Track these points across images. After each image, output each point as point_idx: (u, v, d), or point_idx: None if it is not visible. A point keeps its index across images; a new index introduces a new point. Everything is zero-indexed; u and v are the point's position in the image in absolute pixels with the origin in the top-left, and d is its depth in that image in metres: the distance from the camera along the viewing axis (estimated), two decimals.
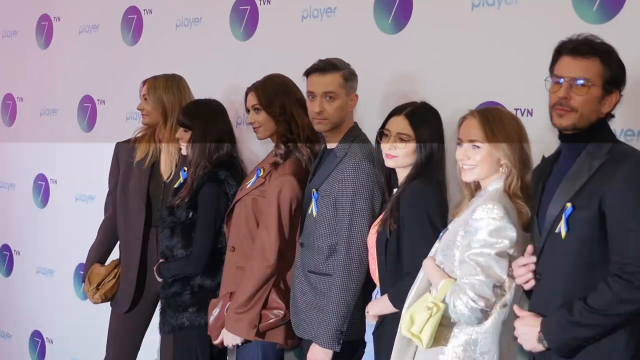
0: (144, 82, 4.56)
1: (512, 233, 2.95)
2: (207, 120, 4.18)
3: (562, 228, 2.83)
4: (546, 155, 3.11)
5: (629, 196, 2.72)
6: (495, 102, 3.65)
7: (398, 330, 3.17)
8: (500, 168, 3.08)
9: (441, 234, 3.19)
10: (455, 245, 3.05)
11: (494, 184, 3.09)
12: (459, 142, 3.13)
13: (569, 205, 2.82)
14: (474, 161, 3.08)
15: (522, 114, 3.54)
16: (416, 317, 3.02)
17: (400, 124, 3.42)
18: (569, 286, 2.81)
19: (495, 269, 2.94)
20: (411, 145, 3.39)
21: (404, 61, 4.05)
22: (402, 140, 3.40)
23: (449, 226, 3.19)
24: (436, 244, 3.20)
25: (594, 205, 2.76)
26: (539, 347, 2.84)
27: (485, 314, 2.97)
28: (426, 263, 3.15)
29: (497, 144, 3.04)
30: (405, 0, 4.03)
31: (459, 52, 3.84)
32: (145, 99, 4.50)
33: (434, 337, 3.01)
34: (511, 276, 2.98)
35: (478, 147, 3.06)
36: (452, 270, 3.06)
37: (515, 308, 2.94)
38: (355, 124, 3.78)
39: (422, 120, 3.41)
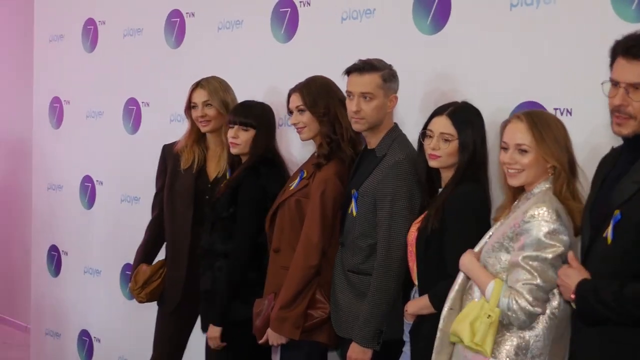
0: (195, 89, 4.53)
1: (566, 237, 2.95)
2: (269, 120, 4.27)
3: (609, 234, 2.76)
4: (615, 146, 3.02)
5: None
6: (534, 102, 3.65)
7: (438, 332, 3.18)
8: (549, 170, 3.07)
9: (485, 238, 3.18)
10: (503, 247, 3.04)
11: (541, 186, 3.08)
12: (504, 147, 3.11)
13: (617, 212, 2.74)
14: (520, 165, 3.07)
15: (562, 114, 3.53)
16: (476, 327, 3.00)
17: (443, 124, 3.43)
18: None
19: (550, 273, 2.94)
20: (454, 145, 3.40)
21: (443, 61, 4.05)
22: (445, 140, 3.41)
23: (492, 230, 3.19)
24: (478, 246, 3.20)
25: None
26: (569, 299, 2.82)
27: (536, 319, 2.98)
28: (468, 259, 3.14)
29: (547, 148, 3.02)
30: (444, 0, 4.04)
31: (498, 52, 3.83)
32: (209, 104, 4.48)
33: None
34: None
35: (525, 151, 3.05)
36: (496, 272, 3.06)
37: (570, 257, 2.88)
38: (395, 125, 3.80)
39: (465, 119, 3.43)
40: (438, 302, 3.28)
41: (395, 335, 3.65)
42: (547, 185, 3.08)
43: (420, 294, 3.47)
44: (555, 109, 3.57)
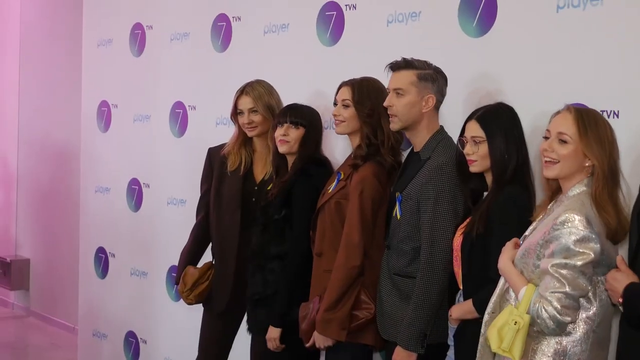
0: (240, 96, 4.55)
1: (596, 245, 2.92)
2: (318, 122, 4.31)
3: None
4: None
5: None
6: (580, 103, 3.61)
7: (480, 338, 3.17)
8: (586, 170, 3.04)
9: (522, 240, 3.17)
10: (535, 252, 3.02)
11: (576, 188, 3.05)
12: (547, 136, 3.10)
13: None
14: (557, 155, 3.05)
15: (608, 116, 3.50)
16: (504, 333, 2.99)
17: (472, 128, 3.44)
18: None
19: (580, 280, 2.92)
20: (485, 148, 3.40)
21: (489, 64, 4.04)
22: (475, 143, 3.41)
23: (528, 232, 3.18)
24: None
25: None
26: (618, 302, 2.81)
27: (567, 326, 2.96)
28: (504, 262, 3.13)
29: (588, 143, 2.99)
30: (490, 3, 4.03)
31: (544, 54, 3.81)
32: (254, 111, 4.51)
33: None
34: (596, 285, 2.96)
35: (565, 142, 3.03)
36: (529, 278, 3.05)
37: (619, 261, 2.88)
38: (441, 128, 3.80)
39: (495, 120, 3.41)
40: (481, 306, 3.27)
41: (440, 339, 3.64)
42: (583, 188, 3.05)
43: (465, 299, 3.46)
44: (602, 111, 3.54)
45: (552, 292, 2.92)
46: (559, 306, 2.91)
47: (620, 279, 2.82)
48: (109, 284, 6.84)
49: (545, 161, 3.10)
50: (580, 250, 2.91)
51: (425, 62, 3.76)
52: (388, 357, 3.77)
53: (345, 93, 4.00)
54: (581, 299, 2.96)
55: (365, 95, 3.96)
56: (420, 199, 3.64)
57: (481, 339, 3.18)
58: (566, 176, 3.09)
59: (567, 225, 2.92)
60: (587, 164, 3.04)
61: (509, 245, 3.18)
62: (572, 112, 3.06)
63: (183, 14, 6.02)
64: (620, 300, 2.79)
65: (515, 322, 2.96)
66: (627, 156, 3.20)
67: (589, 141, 3.01)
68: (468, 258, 3.42)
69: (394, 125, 3.75)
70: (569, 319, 2.93)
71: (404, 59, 3.75)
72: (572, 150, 3.03)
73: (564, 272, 2.91)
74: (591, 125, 3.03)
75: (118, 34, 6.63)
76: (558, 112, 3.13)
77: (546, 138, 3.12)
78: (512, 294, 3.11)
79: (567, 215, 2.94)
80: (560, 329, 2.94)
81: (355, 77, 4.06)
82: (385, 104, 3.73)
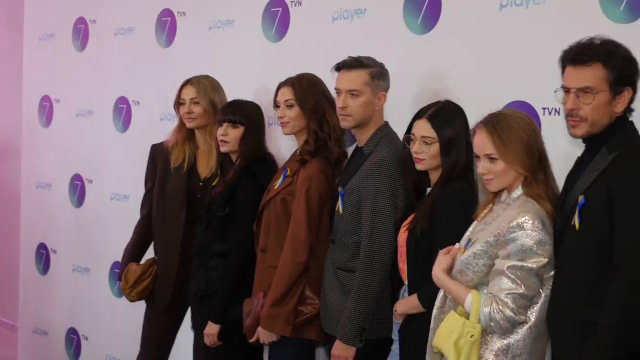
0: (185, 86, 4.56)
1: (550, 247, 2.98)
2: (258, 118, 4.29)
3: (575, 220, 2.88)
4: (577, 153, 3.12)
5: (632, 189, 2.76)
6: (523, 101, 3.67)
7: (430, 332, 3.19)
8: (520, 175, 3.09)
9: (466, 242, 3.19)
10: (486, 254, 3.05)
11: (519, 190, 3.10)
12: (477, 156, 3.15)
13: (581, 197, 2.87)
14: (494, 174, 3.10)
15: (550, 113, 3.56)
16: (460, 346, 3.01)
17: (423, 128, 3.45)
18: (589, 277, 2.85)
19: (533, 281, 2.97)
20: (436, 148, 3.42)
21: (434, 61, 4.07)
22: (426, 143, 3.43)
23: (470, 232, 3.21)
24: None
25: (604, 195, 2.80)
26: None
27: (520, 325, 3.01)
28: (438, 274, 3.16)
29: (510, 154, 3.05)
30: (434, 1, 4.07)
31: (488, 52, 3.86)
32: (196, 102, 4.51)
33: None
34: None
35: (495, 158, 3.07)
36: (472, 280, 3.09)
37: None
38: (386, 123, 3.82)
39: (445, 120, 3.44)
40: (427, 301, 3.30)
41: (384, 333, 3.66)
42: (523, 190, 3.09)
43: (410, 294, 3.48)
44: (544, 109, 3.60)
45: (507, 293, 2.96)
46: (514, 307, 2.95)
47: None
48: (51, 281, 6.77)
49: (485, 180, 3.14)
50: (536, 253, 2.96)
51: (372, 58, 3.78)
52: (330, 351, 3.78)
53: (287, 93, 4.00)
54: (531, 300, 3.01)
55: (307, 91, 3.97)
56: (361, 193, 3.66)
57: (431, 334, 3.20)
58: (510, 184, 3.13)
59: (523, 227, 2.97)
60: (520, 171, 3.09)
61: (441, 256, 3.21)
62: (484, 130, 3.10)
63: (127, 8, 5.98)
64: None
65: (471, 335, 3.00)
66: (569, 153, 3.24)
67: (510, 151, 3.05)
68: (414, 254, 3.44)
69: (347, 124, 3.76)
70: (523, 317, 2.99)
71: (353, 58, 3.76)
72: (504, 165, 3.08)
73: (519, 273, 2.95)
74: (506, 134, 3.06)
75: (60, 28, 6.56)
76: (474, 131, 3.16)
77: (477, 157, 3.15)
78: None
79: (523, 218, 2.98)
80: (514, 328, 3.00)
81: (291, 76, 4.06)
82: (339, 105, 3.73)
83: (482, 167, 3.12)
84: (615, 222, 2.77)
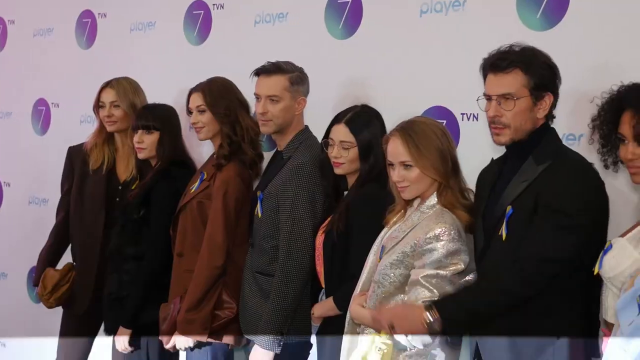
0: (104, 88, 4.50)
1: (465, 256, 3.00)
2: (173, 122, 4.24)
3: (503, 231, 2.89)
4: (494, 158, 3.16)
5: (557, 197, 2.79)
6: (442, 106, 3.72)
7: (344, 335, 3.19)
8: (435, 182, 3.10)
9: (380, 249, 3.19)
10: (402, 264, 3.05)
11: (433, 198, 3.11)
12: (390, 164, 3.14)
13: (509, 208, 2.88)
14: (409, 181, 3.10)
15: (469, 119, 3.61)
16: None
17: (341, 132, 3.46)
18: None
19: (448, 288, 2.97)
20: (354, 152, 3.43)
21: (355, 66, 4.10)
22: (345, 148, 3.43)
23: (382, 239, 3.20)
24: (370, 257, 3.22)
25: (531, 206, 2.83)
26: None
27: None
28: (356, 310, 3.16)
29: (425, 160, 3.05)
30: (355, 6, 4.09)
31: (408, 57, 3.90)
32: (116, 105, 4.45)
33: None
34: None
35: (410, 165, 3.08)
36: (388, 290, 3.08)
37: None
38: (306, 127, 3.82)
39: (363, 125, 3.45)
40: (342, 303, 3.30)
41: (304, 337, 3.66)
42: (438, 198, 3.10)
43: (328, 297, 3.49)
44: (463, 114, 3.64)
45: (422, 302, 2.95)
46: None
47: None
48: None
49: (400, 187, 3.14)
50: (451, 262, 2.98)
51: (291, 63, 3.78)
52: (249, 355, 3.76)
53: (197, 99, 3.98)
54: None
55: (217, 95, 3.96)
56: (280, 197, 3.66)
57: (344, 338, 3.20)
58: (425, 191, 3.14)
59: (440, 238, 2.98)
60: (434, 178, 3.10)
61: (357, 297, 3.20)
62: (398, 137, 3.10)
63: (47, 8, 5.90)
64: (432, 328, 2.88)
65: (380, 349, 3.00)
66: (488, 158, 3.28)
67: (425, 158, 3.06)
68: (330, 256, 3.44)
69: (267, 129, 3.76)
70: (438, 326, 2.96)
71: (272, 63, 3.75)
72: (419, 172, 3.08)
73: (434, 281, 2.96)
74: (421, 141, 3.07)
75: None
76: (388, 139, 3.15)
77: (390, 165, 3.14)
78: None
79: (440, 229, 2.99)
80: (433, 337, 2.96)
81: (202, 81, 4.04)
82: (259, 110, 3.72)
83: (397, 174, 3.12)
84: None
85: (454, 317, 2.85)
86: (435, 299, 2.93)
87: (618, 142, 2.73)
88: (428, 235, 3.00)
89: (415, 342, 2.94)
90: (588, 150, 3.00)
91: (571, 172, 2.85)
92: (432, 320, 2.84)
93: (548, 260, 2.78)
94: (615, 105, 2.73)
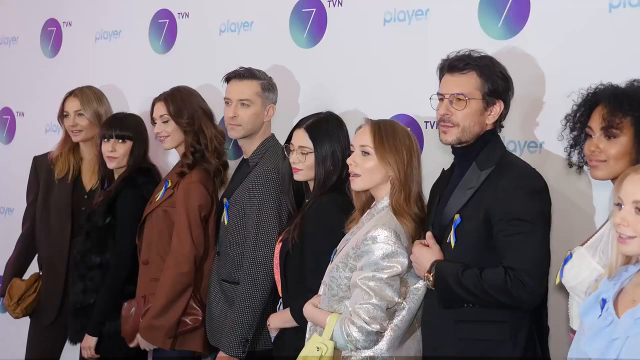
0: (68, 98, 4.49)
1: (404, 259, 3.00)
2: (143, 131, 4.25)
3: (451, 239, 2.93)
4: (445, 168, 3.21)
5: (510, 206, 2.82)
6: (406, 115, 3.75)
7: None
8: (390, 180, 3.08)
9: (333, 254, 3.20)
10: (347, 266, 3.06)
11: (385, 201, 3.10)
12: (352, 150, 3.15)
13: (457, 216, 2.92)
14: (361, 169, 3.08)
15: (432, 127, 3.64)
16: None
17: (300, 137, 3.45)
18: None
19: (387, 291, 2.97)
20: (312, 158, 3.41)
21: (320, 74, 4.13)
22: (303, 153, 3.42)
23: (340, 245, 3.20)
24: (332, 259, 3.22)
25: (480, 215, 2.86)
26: (424, 276, 2.95)
27: (379, 335, 3.00)
28: (308, 309, 3.17)
29: (384, 152, 3.05)
30: (320, 15, 4.11)
31: (372, 66, 3.93)
32: (80, 114, 4.44)
33: None
34: (403, 297, 3.04)
35: (368, 153, 3.08)
36: (337, 294, 3.09)
37: (428, 236, 3.00)
38: (272, 135, 3.85)
39: (323, 132, 3.44)
40: (299, 315, 3.28)
41: (268, 345, 3.65)
42: (388, 201, 3.09)
43: (285, 307, 3.48)
44: (426, 122, 3.68)
45: (360, 304, 2.96)
46: (367, 317, 2.95)
47: (426, 253, 2.95)
48: None
49: (351, 176, 3.14)
50: (388, 265, 2.97)
51: (262, 71, 3.81)
52: None
53: (161, 109, 3.99)
54: (388, 311, 3.00)
55: (181, 104, 3.96)
56: (246, 205, 3.67)
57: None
58: (372, 187, 3.13)
59: (376, 240, 2.98)
60: (390, 174, 3.09)
61: (314, 298, 3.22)
62: (369, 125, 3.13)
63: (11, 17, 5.87)
64: (427, 275, 2.92)
65: (318, 348, 3.01)
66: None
67: (384, 151, 3.06)
68: (284, 266, 3.44)
69: (236, 133, 3.77)
70: (377, 327, 2.96)
71: (245, 68, 3.78)
72: (375, 163, 3.08)
73: (371, 284, 2.96)
74: (388, 135, 3.09)
75: None
76: (360, 127, 3.18)
77: (351, 152, 3.16)
78: None
79: (377, 231, 3.00)
80: (370, 339, 2.98)
81: (165, 90, 4.05)
82: (229, 114, 3.74)
83: (352, 158, 3.12)
84: (496, 240, 2.84)
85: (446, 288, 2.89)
86: (373, 301, 2.94)
87: (586, 140, 2.78)
88: (366, 237, 3.00)
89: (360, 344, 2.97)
90: (545, 155, 3.04)
91: (515, 177, 2.89)
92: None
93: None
94: (589, 100, 2.80)
